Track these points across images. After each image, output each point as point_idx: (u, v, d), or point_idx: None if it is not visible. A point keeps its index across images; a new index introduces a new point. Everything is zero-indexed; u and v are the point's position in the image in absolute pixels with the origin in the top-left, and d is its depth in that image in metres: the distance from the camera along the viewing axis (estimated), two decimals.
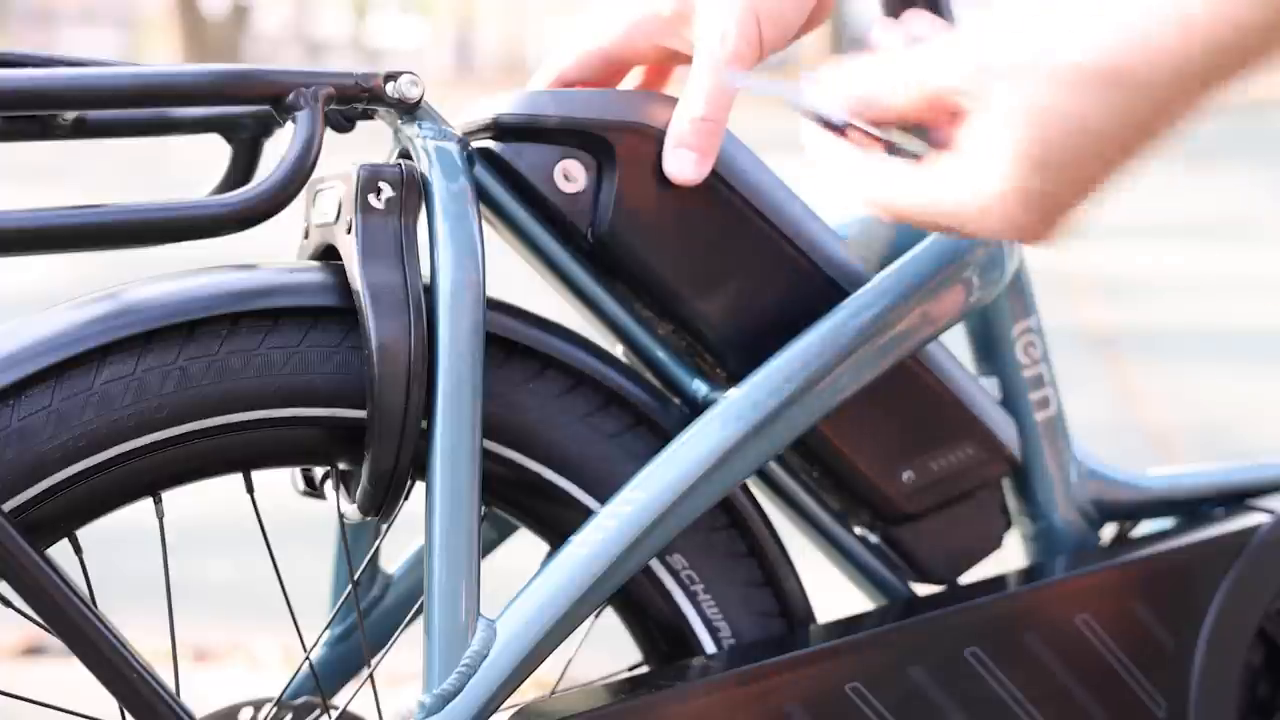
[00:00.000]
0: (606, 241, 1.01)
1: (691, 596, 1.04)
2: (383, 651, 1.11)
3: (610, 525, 0.96)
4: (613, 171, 0.99)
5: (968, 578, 1.14)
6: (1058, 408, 1.17)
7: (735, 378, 1.03)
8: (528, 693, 1.08)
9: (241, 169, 1.07)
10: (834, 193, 0.93)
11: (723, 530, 1.05)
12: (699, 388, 1.05)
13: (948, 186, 0.86)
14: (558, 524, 1.01)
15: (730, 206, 1.02)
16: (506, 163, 1.01)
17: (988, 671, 1.04)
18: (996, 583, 1.11)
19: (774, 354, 1.00)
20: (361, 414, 0.95)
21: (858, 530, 1.14)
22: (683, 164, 0.98)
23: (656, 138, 0.99)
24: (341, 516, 1.00)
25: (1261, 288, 5.49)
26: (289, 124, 0.93)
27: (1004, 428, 1.13)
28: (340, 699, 1.13)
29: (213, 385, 0.93)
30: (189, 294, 0.94)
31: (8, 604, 0.93)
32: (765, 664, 1.01)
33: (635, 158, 0.99)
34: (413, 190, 0.95)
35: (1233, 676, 1.13)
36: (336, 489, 1.00)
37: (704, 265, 1.03)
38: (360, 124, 0.99)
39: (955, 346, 1.14)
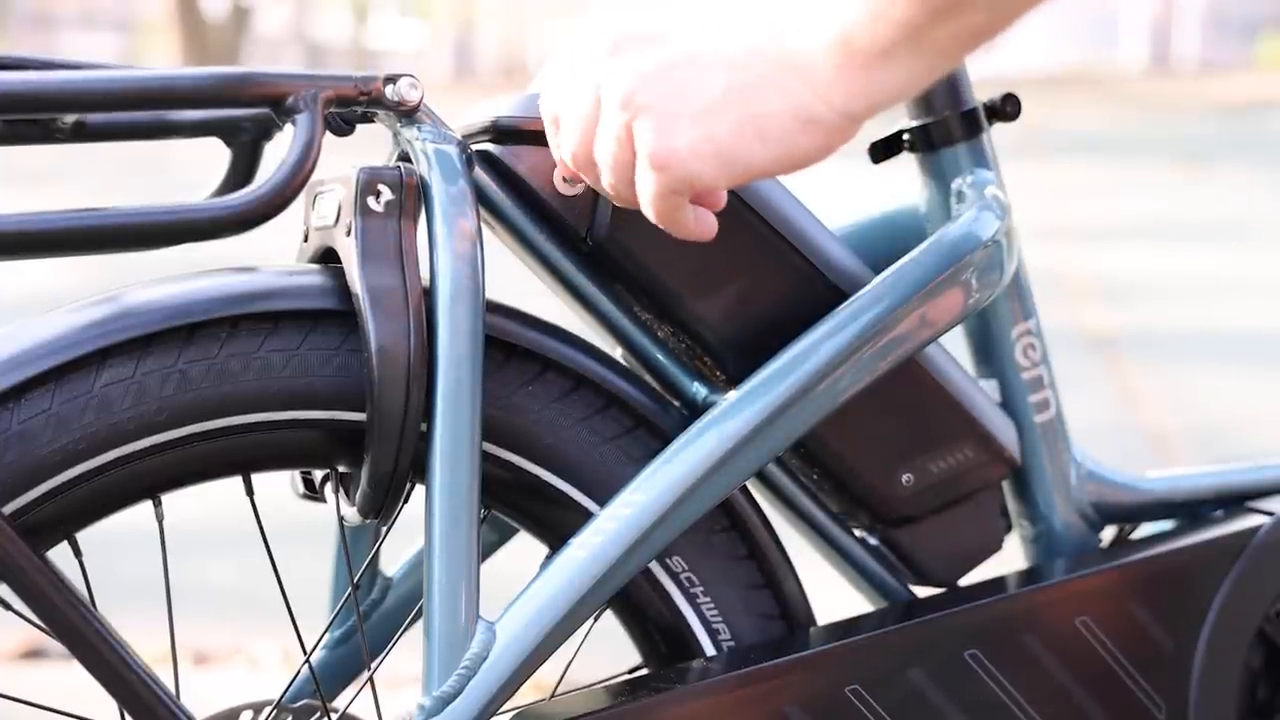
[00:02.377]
0: (605, 244, 1.01)
1: (691, 599, 1.04)
2: (383, 654, 1.11)
3: (609, 528, 0.96)
4: None
5: (967, 580, 1.14)
6: (1057, 410, 1.17)
7: (734, 380, 1.03)
8: (527, 695, 1.08)
9: (241, 172, 1.07)
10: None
11: (722, 532, 1.05)
12: (698, 390, 1.05)
13: None
14: (557, 526, 1.01)
15: (729, 209, 1.02)
16: (506, 165, 1.01)
17: (987, 674, 1.04)
18: (996, 585, 1.12)
19: (773, 357, 1.00)
20: (361, 417, 0.95)
21: (857, 532, 1.14)
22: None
23: None
24: (341, 519, 1.00)
25: (1261, 288, 5.49)
26: (288, 127, 0.93)
27: (1004, 430, 1.13)
28: (340, 701, 1.13)
29: (212, 388, 0.93)
30: (188, 297, 0.94)
31: (8, 607, 0.93)
32: (765, 666, 1.01)
33: None
34: (412, 193, 0.95)
35: (1232, 679, 1.13)
36: (336, 492, 1.00)
37: (703, 268, 1.03)
38: (360, 127, 1.00)
39: (955, 348, 1.14)
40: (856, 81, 0.84)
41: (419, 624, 0.97)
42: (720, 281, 1.03)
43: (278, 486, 1.04)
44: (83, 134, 1.03)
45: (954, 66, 0.85)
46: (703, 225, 0.93)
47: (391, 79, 0.96)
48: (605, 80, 0.89)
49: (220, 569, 2.71)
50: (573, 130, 0.92)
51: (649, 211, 0.91)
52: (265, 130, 1.05)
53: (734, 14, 0.86)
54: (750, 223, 1.03)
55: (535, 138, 0.99)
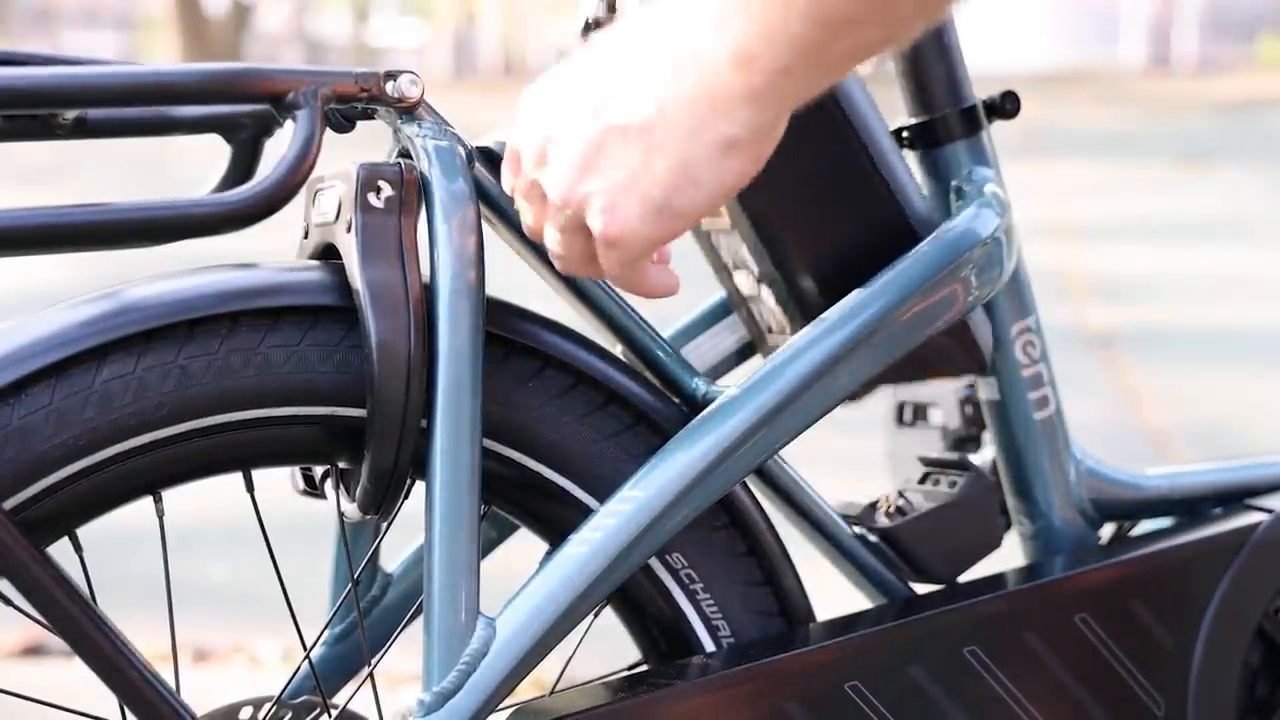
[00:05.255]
0: None
1: (691, 595, 1.04)
2: (383, 650, 1.11)
3: (609, 524, 0.96)
4: None
5: (967, 577, 1.14)
6: (1056, 407, 1.17)
7: (803, 309, 1.06)
8: (527, 691, 1.08)
9: (241, 168, 1.07)
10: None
11: (722, 529, 1.05)
12: (698, 386, 1.05)
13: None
14: (557, 523, 1.01)
15: (834, 132, 1.05)
16: None
17: (986, 670, 1.04)
18: (995, 582, 1.12)
19: (848, 290, 1.02)
20: (361, 413, 0.95)
21: (857, 529, 1.14)
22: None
23: None
24: (341, 515, 1.00)
25: (1261, 286, 5.49)
26: (288, 123, 0.93)
27: (981, 326, 1.13)
28: (340, 698, 1.13)
29: (213, 384, 0.93)
30: (189, 293, 0.94)
31: (9, 603, 0.93)
32: (764, 663, 1.01)
33: None
34: (412, 189, 0.96)
35: (1231, 675, 1.13)
36: (336, 488, 1.00)
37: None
38: (361, 123, 1.00)
39: None
40: (764, 97, 0.85)
41: (419, 620, 0.97)
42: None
43: (278, 483, 1.04)
44: (83, 130, 1.03)
45: (851, 71, 0.87)
46: (665, 282, 0.95)
47: (392, 75, 0.96)
48: (546, 186, 0.91)
49: (220, 566, 2.72)
50: (532, 222, 0.95)
51: (617, 284, 0.94)
52: (265, 126, 1.05)
53: (630, 69, 0.87)
54: (850, 145, 1.05)
55: None
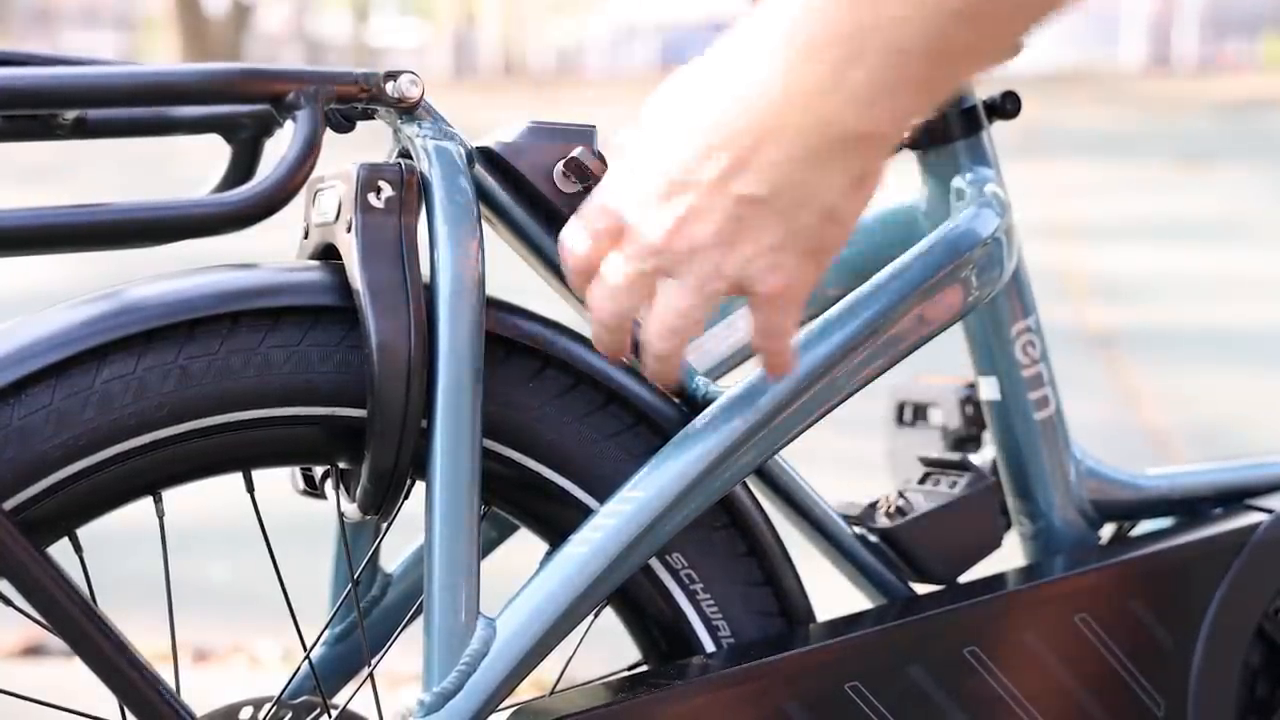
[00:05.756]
0: None
1: (691, 595, 1.04)
2: (383, 650, 1.11)
3: (609, 524, 0.96)
4: None
5: (967, 577, 1.14)
6: (1056, 407, 1.18)
7: None
8: (527, 692, 1.08)
9: (242, 168, 1.07)
10: None
11: (722, 529, 1.05)
12: (698, 386, 1.05)
13: None
14: (557, 523, 1.01)
15: None
16: (506, 162, 1.01)
17: (987, 670, 1.04)
18: (995, 582, 1.12)
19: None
20: (361, 413, 0.95)
21: (857, 529, 1.14)
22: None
23: None
24: (341, 515, 1.00)
25: (1261, 288, 5.49)
26: (289, 123, 0.93)
27: None
28: (340, 698, 1.13)
29: (213, 384, 0.93)
30: (189, 293, 0.94)
31: (9, 603, 0.93)
32: (764, 663, 1.01)
33: None
34: (412, 189, 0.96)
35: (1231, 676, 1.13)
36: (336, 488, 1.00)
37: None
38: (361, 123, 1.00)
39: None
40: (886, 136, 0.86)
41: (419, 620, 0.97)
42: None
43: (278, 483, 1.04)
44: (83, 130, 1.03)
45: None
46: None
47: (392, 75, 0.96)
48: (695, 266, 0.89)
49: (220, 566, 2.72)
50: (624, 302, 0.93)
51: (776, 351, 0.94)
52: (266, 127, 1.05)
53: (750, 133, 0.86)
54: None
55: (536, 134, 1.00)
